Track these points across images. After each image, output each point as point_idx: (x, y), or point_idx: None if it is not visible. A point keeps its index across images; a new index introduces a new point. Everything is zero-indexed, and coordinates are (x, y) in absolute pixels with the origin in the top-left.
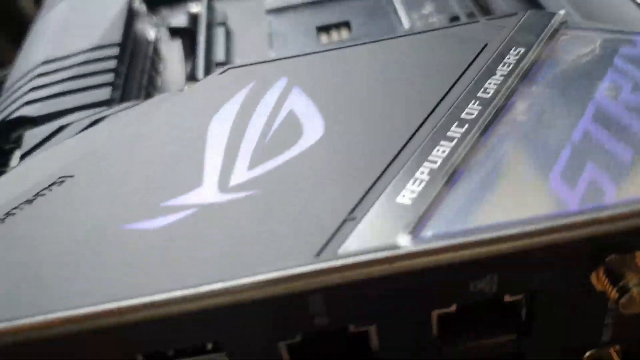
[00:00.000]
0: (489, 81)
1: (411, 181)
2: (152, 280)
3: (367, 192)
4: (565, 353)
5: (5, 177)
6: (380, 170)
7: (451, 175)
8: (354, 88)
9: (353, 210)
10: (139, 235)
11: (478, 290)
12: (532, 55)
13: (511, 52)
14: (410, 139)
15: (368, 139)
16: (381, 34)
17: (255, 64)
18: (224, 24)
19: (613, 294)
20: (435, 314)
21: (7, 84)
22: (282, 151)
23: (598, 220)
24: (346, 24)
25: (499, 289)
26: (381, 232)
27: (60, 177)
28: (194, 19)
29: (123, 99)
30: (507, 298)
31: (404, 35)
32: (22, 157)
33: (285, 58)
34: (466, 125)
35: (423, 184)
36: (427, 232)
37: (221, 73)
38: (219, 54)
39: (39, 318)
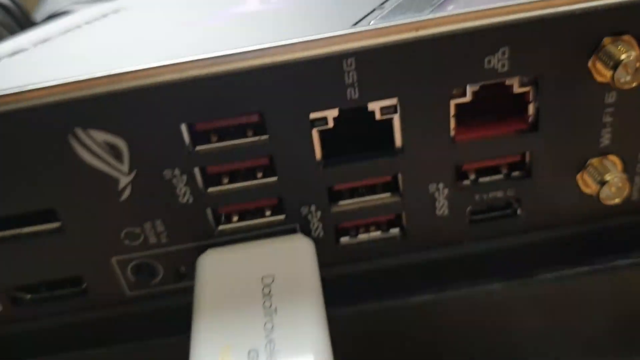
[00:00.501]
0: None
1: None
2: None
3: None
4: (569, 158)
5: None
6: None
7: None
8: None
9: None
10: (202, 26)
11: (491, 67)
12: None
13: None
14: None
15: None
16: None
17: None
18: None
19: (609, 74)
20: (453, 103)
21: None
22: None
23: None
24: None
25: (510, 68)
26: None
27: None
28: None
29: None
30: (517, 89)
31: None
32: None
33: None
34: None
35: None
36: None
37: None
38: None
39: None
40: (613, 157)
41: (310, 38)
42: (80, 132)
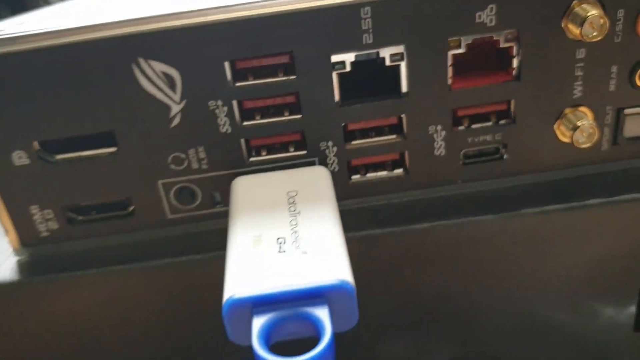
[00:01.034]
0: None
1: None
2: None
3: None
4: (547, 107)
5: None
6: None
7: None
8: None
9: None
10: None
11: (481, 22)
12: None
13: None
14: None
15: None
16: None
17: None
18: None
19: (578, 31)
20: (450, 54)
21: None
22: None
23: None
24: None
25: (497, 23)
26: None
27: None
28: None
29: None
30: (503, 44)
31: None
32: None
33: None
34: None
35: None
36: None
37: None
38: None
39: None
40: (584, 109)
41: None
42: (142, 61)
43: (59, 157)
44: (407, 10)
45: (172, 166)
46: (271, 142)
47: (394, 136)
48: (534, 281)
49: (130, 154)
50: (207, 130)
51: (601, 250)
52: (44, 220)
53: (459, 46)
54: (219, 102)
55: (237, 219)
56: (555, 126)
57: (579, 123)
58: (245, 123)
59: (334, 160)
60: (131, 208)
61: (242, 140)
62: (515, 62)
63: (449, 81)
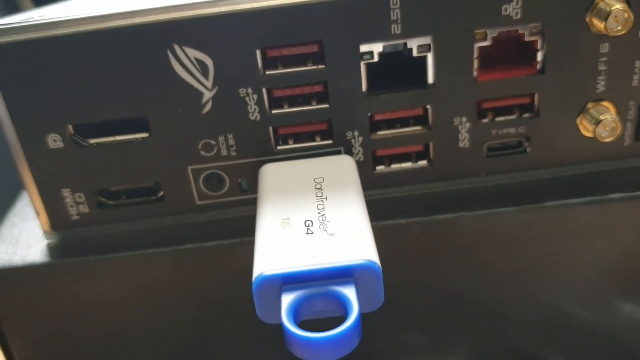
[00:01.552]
0: None
1: None
2: None
3: None
4: (570, 101)
5: None
6: None
7: None
8: None
9: None
10: None
11: (507, 15)
12: None
13: None
14: None
15: None
16: None
17: None
18: None
19: (602, 25)
20: (476, 46)
21: None
22: None
23: None
24: None
25: (522, 16)
26: None
27: None
28: None
29: None
30: (528, 37)
31: None
32: None
33: None
34: None
35: None
36: None
37: None
38: None
39: None
40: (607, 103)
41: None
42: (177, 47)
43: (93, 141)
44: (435, 1)
45: (202, 152)
46: (298, 130)
47: (419, 127)
48: (555, 274)
49: (162, 139)
50: (236, 118)
51: (622, 245)
52: (75, 203)
53: (485, 39)
54: (249, 90)
55: (266, 202)
56: (578, 120)
57: (601, 117)
58: (273, 111)
59: (359, 150)
60: (161, 193)
61: (270, 128)
62: (539, 56)
63: (475, 73)
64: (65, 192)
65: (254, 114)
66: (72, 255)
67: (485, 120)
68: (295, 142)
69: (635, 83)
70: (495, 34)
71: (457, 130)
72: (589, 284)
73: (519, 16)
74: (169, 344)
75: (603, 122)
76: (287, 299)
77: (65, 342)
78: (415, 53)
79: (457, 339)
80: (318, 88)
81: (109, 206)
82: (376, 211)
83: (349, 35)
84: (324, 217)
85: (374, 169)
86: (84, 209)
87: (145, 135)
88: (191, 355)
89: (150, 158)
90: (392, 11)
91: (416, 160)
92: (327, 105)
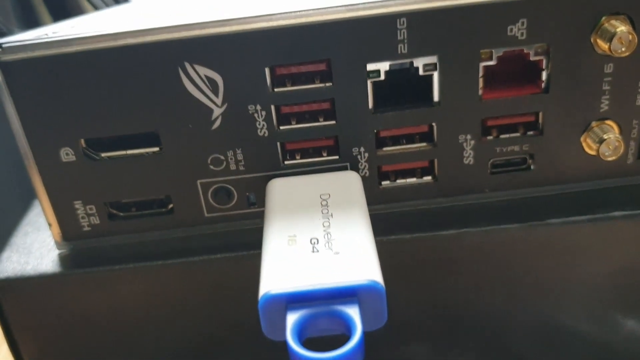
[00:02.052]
0: None
1: None
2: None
3: None
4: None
5: None
6: None
7: None
8: None
9: None
10: None
11: (513, 35)
12: None
13: None
14: None
15: None
16: None
17: None
18: None
19: (607, 46)
20: (481, 65)
21: None
22: None
23: None
24: None
25: (528, 36)
26: None
27: None
28: None
29: None
30: (533, 57)
31: None
32: None
33: None
34: None
35: None
36: None
37: None
38: None
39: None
40: (611, 122)
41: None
42: (188, 65)
43: (104, 154)
44: (441, 22)
45: (211, 167)
46: (305, 146)
47: (424, 144)
48: (558, 290)
49: (172, 154)
50: (245, 133)
51: (624, 262)
52: (86, 215)
53: (490, 58)
54: (258, 107)
55: (273, 219)
56: (582, 138)
57: (605, 136)
58: (281, 127)
59: (365, 166)
60: (170, 206)
61: (278, 144)
62: (544, 75)
63: (480, 92)
64: (77, 204)
65: (262, 130)
66: (83, 266)
67: (489, 138)
68: (302, 157)
69: (639, 102)
70: (500, 54)
71: (462, 147)
72: (590, 299)
73: (524, 37)
74: (176, 354)
75: (607, 141)
76: (292, 318)
77: (75, 350)
78: (421, 72)
79: (459, 350)
80: (325, 105)
81: (120, 218)
82: (381, 226)
83: (357, 54)
84: (329, 235)
85: (380, 184)
86: (95, 220)
87: (156, 149)
88: None
89: (160, 172)
90: (398, 31)
91: (421, 175)
92: (334, 122)
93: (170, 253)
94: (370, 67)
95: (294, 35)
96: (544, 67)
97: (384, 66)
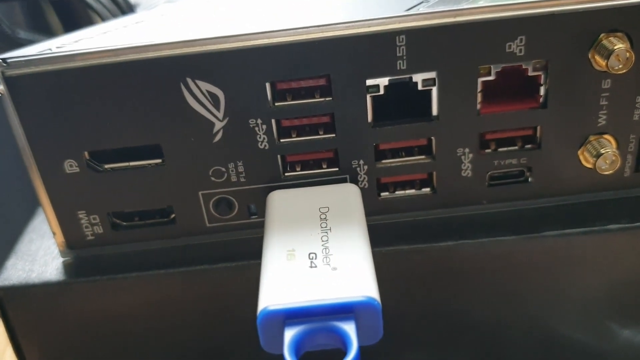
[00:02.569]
0: None
1: None
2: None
3: None
4: (572, 134)
5: None
6: None
7: None
8: None
9: None
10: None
11: (511, 52)
12: None
13: None
14: None
15: None
16: None
17: None
18: None
19: (604, 63)
20: (480, 80)
21: None
22: None
23: None
24: None
25: (526, 53)
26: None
27: None
28: None
29: None
30: (531, 73)
31: None
32: None
33: None
34: None
35: None
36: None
37: None
38: None
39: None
40: (608, 137)
41: (372, 17)
42: (189, 81)
43: (107, 166)
44: (440, 39)
45: (213, 178)
46: (306, 158)
47: (423, 157)
48: (554, 301)
49: (175, 165)
50: (246, 146)
51: (619, 274)
52: (90, 224)
53: (489, 73)
54: (259, 121)
55: (272, 232)
56: (579, 152)
57: (602, 150)
58: (282, 140)
59: (364, 178)
60: (172, 216)
61: (279, 157)
62: (542, 90)
63: (478, 106)
64: (81, 214)
65: (263, 143)
66: (86, 274)
67: (487, 151)
68: (302, 169)
69: (636, 117)
70: (499, 69)
71: (460, 160)
72: (586, 309)
73: (522, 53)
74: None
75: (604, 156)
76: (290, 334)
77: (78, 356)
78: (420, 87)
79: (456, 358)
80: (325, 119)
81: (123, 227)
82: (380, 236)
83: (356, 70)
84: (327, 250)
85: (379, 195)
86: (99, 229)
87: (158, 161)
88: None
89: (162, 183)
90: (398, 48)
91: (420, 187)
92: (333, 135)
93: (173, 262)
94: (370, 82)
95: (294, 51)
96: (542, 82)
97: (383, 81)
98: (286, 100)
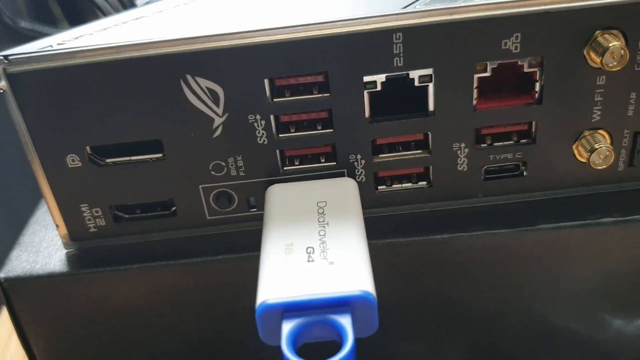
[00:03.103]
0: None
1: None
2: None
3: None
4: (567, 129)
5: None
6: None
7: None
8: None
9: None
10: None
11: (507, 49)
12: None
13: None
14: None
15: None
16: None
17: None
18: None
19: (599, 60)
20: (476, 77)
21: None
22: None
23: None
24: None
25: (522, 50)
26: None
27: None
28: None
29: None
30: (527, 69)
31: None
32: None
33: None
34: None
35: None
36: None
37: None
38: None
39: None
40: (602, 132)
41: (370, 15)
42: (189, 78)
43: (109, 160)
44: (436, 36)
45: (213, 172)
46: (304, 153)
47: (419, 151)
48: (548, 292)
49: (175, 160)
50: (245, 141)
51: (612, 266)
52: (92, 217)
53: (484, 70)
54: (258, 116)
55: (271, 226)
56: (574, 147)
57: (596, 145)
58: (280, 135)
59: (361, 172)
60: (174, 209)
61: (277, 151)
62: (537, 86)
63: (474, 102)
64: (84, 207)
65: (262, 138)
66: (89, 266)
67: (483, 146)
68: (300, 164)
69: (630, 113)
70: (495, 65)
71: (456, 155)
72: (579, 300)
73: (518, 50)
74: (179, 349)
75: (598, 151)
76: (287, 327)
77: (82, 345)
78: (416, 83)
79: (452, 348)
80: (323, 114)
81: (125, 220)
82: (377, 229)
83: (353, 67)
84: (324, 245)
85: (376, 189)
86: (101, 222)
87: (159, 156)
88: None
89: (163, 177)
90: (394, 45)
91: (416, 181)
92: (331, 131)
93: (174, 254)
94: (367, 78)
95: (292, 49)
96: (537, 78)
97: (380, 78)
98: (285, 97)
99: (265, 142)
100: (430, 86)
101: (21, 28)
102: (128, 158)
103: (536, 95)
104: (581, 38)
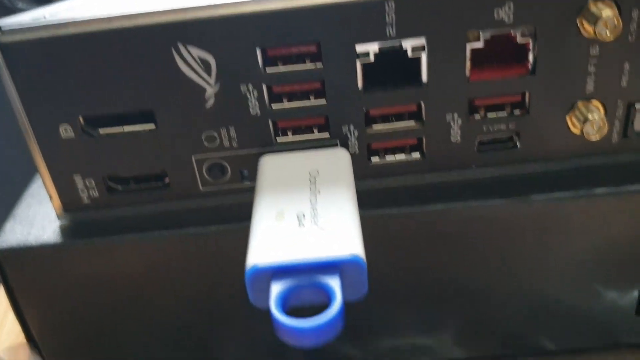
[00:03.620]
0: None
1: None
2: None
3: None
4: (560, 100)
5: None
6: None
7: None
8: None
9: None
10: None
11: (500, 19)
12: None
13: None
14: None
15: None
16: None
17: None
18: None
19: (592, 29)
20: (469, 47)
21: None
22: None
23: None
24: None
25: (514, 19)
26: None
27: None
28: None
29: None
30: (520, 40)
31: None
32: None
33: None
34: None
35: None
36: None
37: None
38: None
39: None
40: (596, 102)
41: None
42: (181, 46)
43: (102, 131)
44: (428, 4)
45: (205, 143)
46: (297, 124)
47: (412, 122)
48: (541, 262)
49: (168, 131)
50: (238, 112)
51: (606, 237)
52: (86, 188)
53: (477, 39)
54: (250, 86)
55: (263, 194)
56: (568, 118)
57: (590, 116)
58: (273, 106)
59: (355, 143)
60: (167, 180)
61: (270, 122)
62: (530, 57)
63: (467, 73)
64: (77, 178)
65: (254, 108)
66: (83, 237)
67: (476, 117)
68: (294, 134)
69: (624, 83)
70: (488, 37)
71: (450, 126)
72: (573, 272)
73: (511, 19)
74: (172, 319)
75: (591, 122)
76: (276, 289)
77: (76, 316)
78: (409, 54)
79: (445, 320)
80: (316, 85)
81: (118, 191)
82: (370, 201)
83: (346, 37)
84: (315, 211)
85: (369, 160)
86: (95, 193)
87: (151, 126)
88: (194, 331)
89: (156, 148)
90: (387, 14)
91: (410, 152)
92: (324, 101)
93: (167, 225)
94: (360, 48)
95: (284, 18)
96: (530, 48)
97: (373, 47)
98: (277, 66)
99: (258, 113)
100: (423, 56)
101: (19, 9)
102: (121, 129)
103: (529, 66)
104: (574, 7)
